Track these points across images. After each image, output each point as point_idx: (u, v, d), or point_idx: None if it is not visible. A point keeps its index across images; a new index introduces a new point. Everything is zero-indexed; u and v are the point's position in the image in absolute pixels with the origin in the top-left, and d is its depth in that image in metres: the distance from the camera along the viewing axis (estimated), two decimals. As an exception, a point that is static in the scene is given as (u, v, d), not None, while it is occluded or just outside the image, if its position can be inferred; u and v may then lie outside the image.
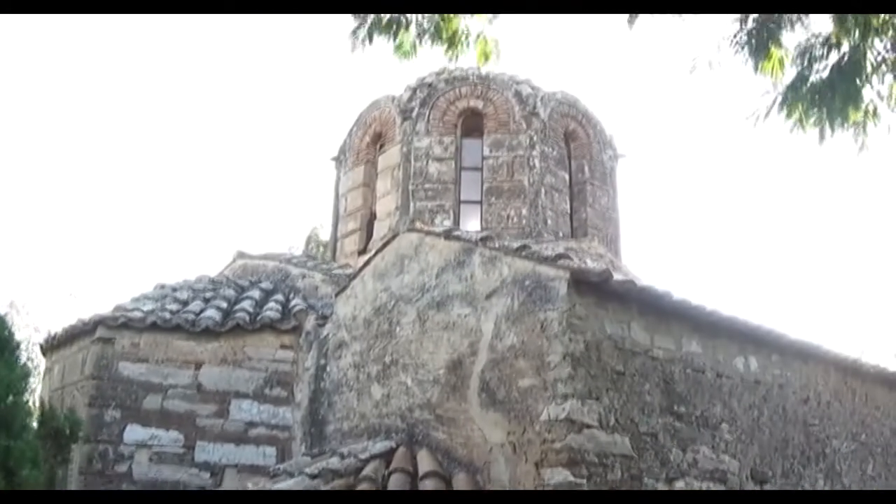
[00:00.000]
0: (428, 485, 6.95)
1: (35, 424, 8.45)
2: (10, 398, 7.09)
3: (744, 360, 8.68)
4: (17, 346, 7.86)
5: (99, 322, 9.82)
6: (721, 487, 8.10)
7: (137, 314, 9.84)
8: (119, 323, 9.75)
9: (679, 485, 7.64)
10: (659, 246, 37.76)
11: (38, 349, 11.97)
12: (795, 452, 9.24)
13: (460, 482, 7.00)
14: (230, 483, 8.76)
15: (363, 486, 7.04)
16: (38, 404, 10.35)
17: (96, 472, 9.35)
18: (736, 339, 8.60)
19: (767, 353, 8.99)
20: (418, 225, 8.75)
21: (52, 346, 11.20)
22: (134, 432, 9.40)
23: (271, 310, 10.25)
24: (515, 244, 7.82)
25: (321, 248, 18.83)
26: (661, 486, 7.47)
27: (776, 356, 9.11)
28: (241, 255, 12.99)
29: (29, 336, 14.21)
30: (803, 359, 9.53)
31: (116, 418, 9.47)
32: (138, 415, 9.45)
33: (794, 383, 9.35)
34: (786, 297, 33.82)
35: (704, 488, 7.89)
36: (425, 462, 7.23)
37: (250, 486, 7.78)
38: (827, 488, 9.58)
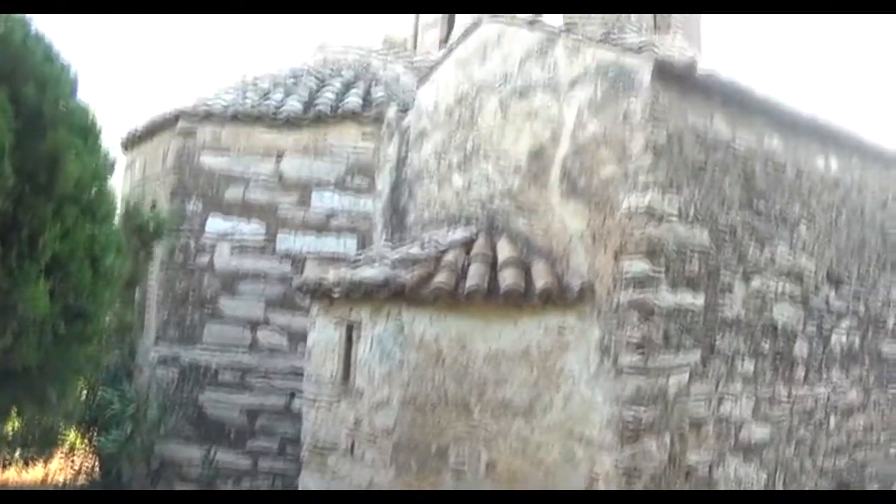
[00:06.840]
0: (507, 273, 7.02)
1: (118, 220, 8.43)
2: (95, 186, 6.64)
3: (824, 159, 8.56)
4: (100, 132, 7.55)
5: (180, 114, 9.86)
6: (797, 286, 8.14)
7: (219, 105, 9.85)
8: (200, 114, 9.78)
9: (755, 282, 7.67)
10: (741, 47, 36.26)
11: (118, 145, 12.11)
12: (872, 256, 9.21)
13: (539, 270, 7.06)
14: (311, 272, 8.95)
15: (443, 274, 7.10)
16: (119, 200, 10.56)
17: (178, 265, 9.61)
18: (817, 138, 8.44)
19: (848, 155, 8.85)
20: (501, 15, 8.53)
21: (132, 141, 11.34)
22: (215, 223, 9.60)
23: (353, 98, 10.16)
24: (599, 33, 7.63)
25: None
26: (738, 282, 7.51)
27: (856, 158, 8.97)
28: (322, 47, 12.69)
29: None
30: (884, 163, 9.38)
31: (198, 210, 9.64)
32: (220, 206, 9.62)
33: (872, 187, 9.23)
34: (872, 101, 32.43)
35: (781, 286, 7.93)
36: (505, 250, 7.29)
37: (331, 274, 7.89)
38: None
